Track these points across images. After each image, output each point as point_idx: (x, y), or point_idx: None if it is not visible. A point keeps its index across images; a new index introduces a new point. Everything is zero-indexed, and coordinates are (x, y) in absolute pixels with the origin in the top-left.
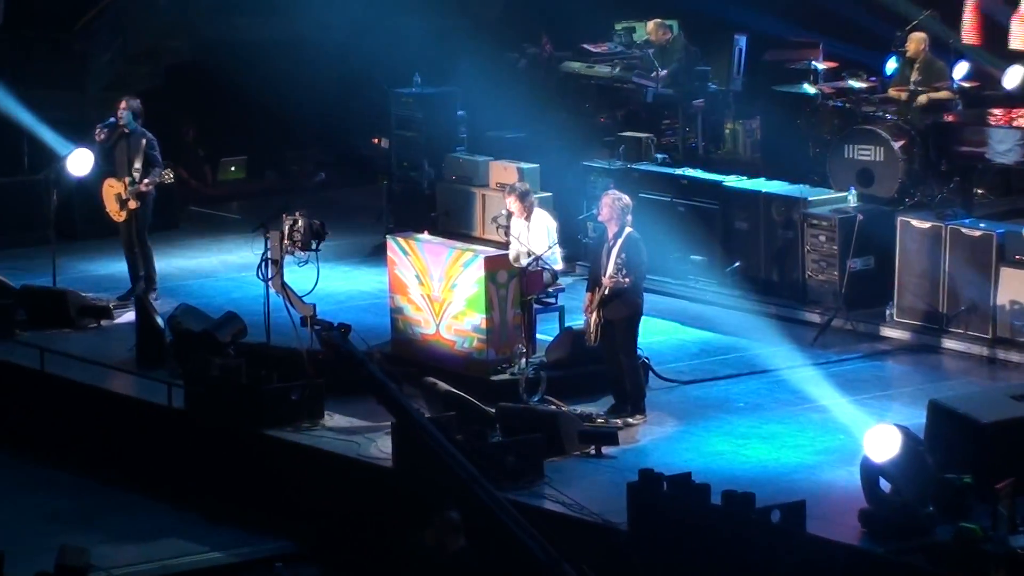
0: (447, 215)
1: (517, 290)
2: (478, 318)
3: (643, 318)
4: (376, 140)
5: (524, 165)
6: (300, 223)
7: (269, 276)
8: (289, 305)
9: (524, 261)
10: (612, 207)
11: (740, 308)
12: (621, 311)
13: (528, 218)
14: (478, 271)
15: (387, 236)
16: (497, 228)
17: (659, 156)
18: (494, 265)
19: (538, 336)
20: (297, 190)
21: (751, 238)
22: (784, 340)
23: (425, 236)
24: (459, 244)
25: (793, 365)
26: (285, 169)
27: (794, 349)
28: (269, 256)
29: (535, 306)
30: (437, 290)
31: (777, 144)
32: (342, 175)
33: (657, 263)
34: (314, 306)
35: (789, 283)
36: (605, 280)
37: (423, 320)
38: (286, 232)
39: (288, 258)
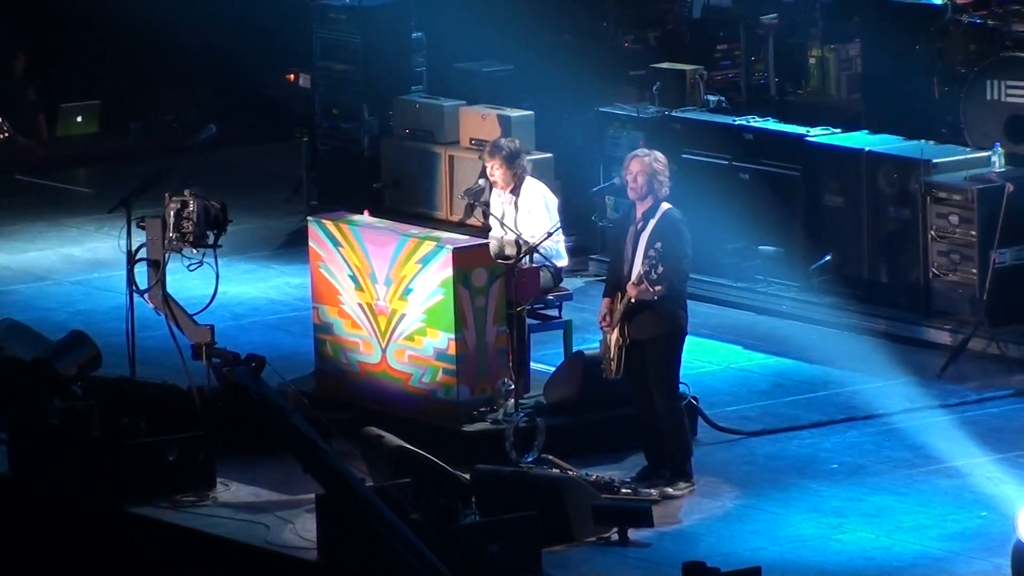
0: (396, 186)
1: (502, 297)
2: (444, 339)
3: (688, 337)
4: (291, 76)
5: (511, 113)
6: (192, 207)
7: (145, 287)
8: (174, 327)
9: (511, 253)
10: (642, 174)
11: (832, 323)
12: (655, 327)
13: (517, 191)
14: (444, 270)
15: (308, 219)
16: (472, 206)
17: (711, 99)
18: (467, 261)
19: (533, 366)
20: (175, 151)
21: (848, 219)
22: (898, 370)
23: (365, 218)
24: (415, 230)
25: (911, 408)
26: (157, 120)
27: (913, 384)
28: (146, 256)
29: (528, 321)
30: (383, 297)
31: (886, 80)
32: (241, 128)
33: (707, 256)
34: (211, 328)
35: (905, 286)
36: (632, 283)
37: (362, 343)
38: (170, 221)
39: (174, 256)
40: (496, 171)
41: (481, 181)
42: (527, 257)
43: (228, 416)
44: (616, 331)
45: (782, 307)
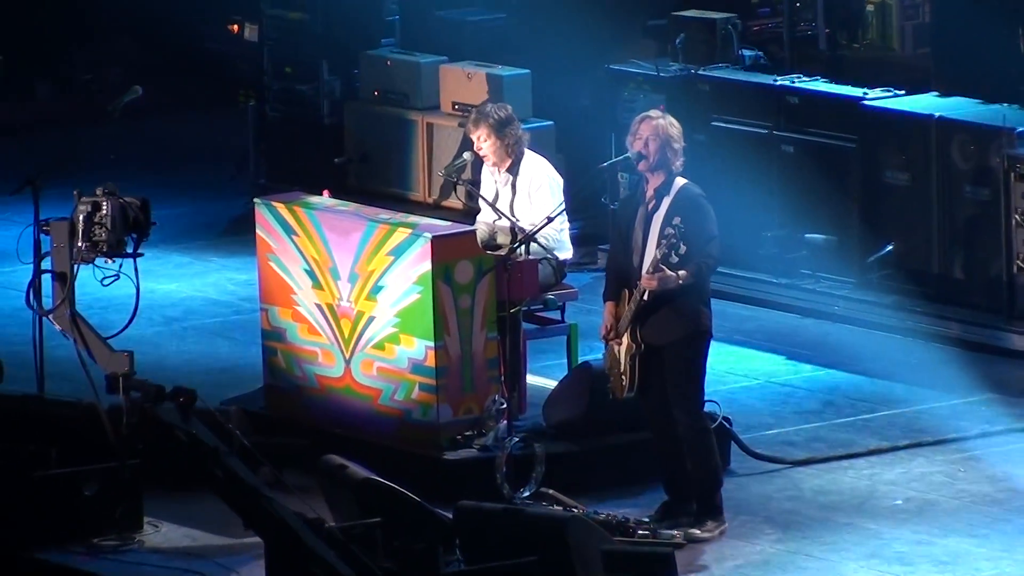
0: (363, 161)
1: (492, 297)
2: (421, 348)
3: (719, 346)
4: (233, 27)
5: (503, 71)
6: (105, 210)
7: (50, 307)
8: (84, 352)
9: (504, 242)
10: (655, 139)
11: (894, 328)
12: (674, 328)
13: (516, 169)
14: (421, 263)
15: (255, 201)
16: (455, 185)
17: (747, 53)
18: (449, 252)
19: (530, 380)
20: (92, 118)
21: (914, 200)
22: (975, 385)
23: (325, 200)
24: (386, 215)
25: (991, 432)
26: (70, 80)
27: (993, 402)
28: (51, 268)
29: (525, 325)
30: (347, 297)
31: (960, 32)
32: (172, 91)
33: (741, 247)
34: (129, 355)
35: (983, 282)
36: (646, 272)
37: (321, 353)
38: (80, 227)
39: (85, 267)
40: (484, 143)
41: (466, 155)
42: (523, 247)
43: (152, 438)
44: (627, 338)
45: (833, 308)
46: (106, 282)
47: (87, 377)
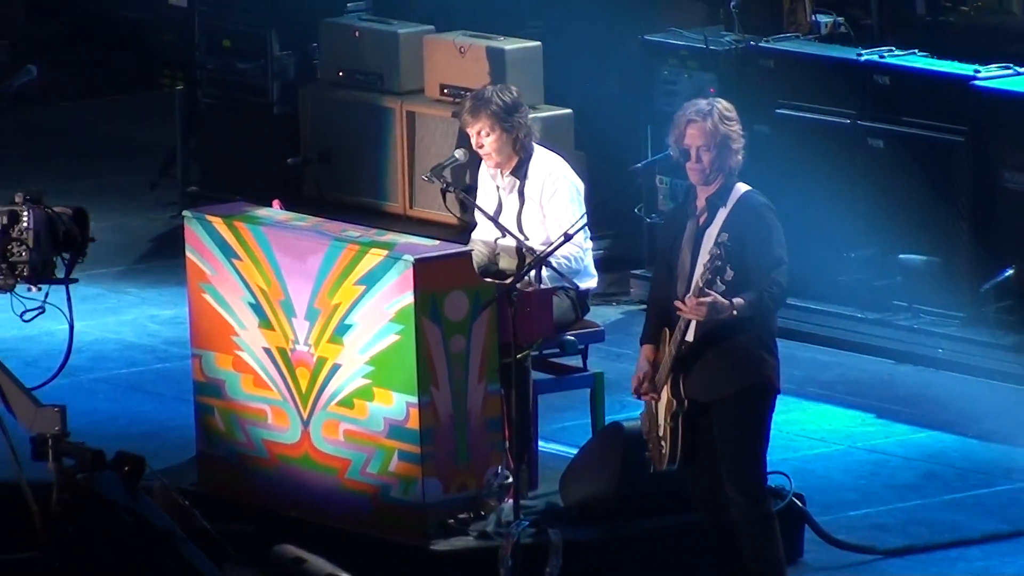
0: (325, 162)
1: (493, 338)
2: (401, 405)
3: (783, 398)
4: None
5: (505, 44)
6: (26, 222)
7: None
8: (3, 408)
9: (509, 267)
10: (708, 145)
11: (1014, 376)
12: (727, 381)
13: (522, 171)
14: (400, 295)
15: (184, 214)
16: (444, 192)
17: (823, 20)
18: (438, 279)
19: (543, 446)
20: None
21: None
22: None
23: (275, 212)
24: (355, 231)
25: None
26: None
27: None
28: None
29: (536, 374)
30: (304, 339)
31: None
32: (78, 72)
33: (815, 271)
34: (61, 411)
35: None
36: (691, 296)
37: (271, 412)
38: None
39: (2, 296)
40: (485, 138)
41: (458, 153)
42: (533, 273)
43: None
44: (666, 391)
45: (937, 351)
46: (27, 316)
47: (6, 440)
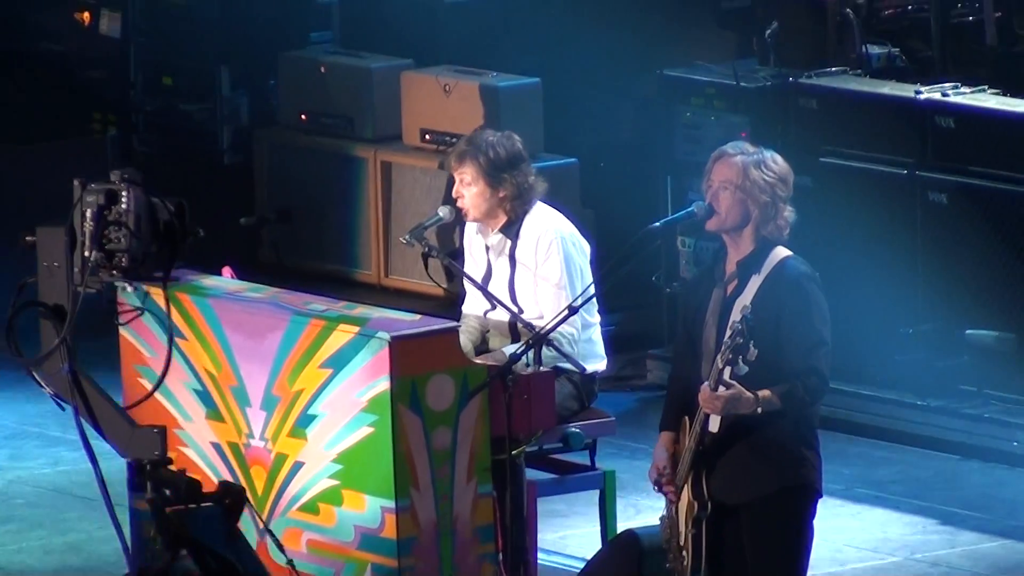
0: (285, 222)
1: (484, 431)
2: (376, 511)
3: (826, 502)
4: (83, 15)
5: (498, 81)
6: (125, 203)
7: (36, 357)
8: (90, 427)
9: (502, 347)
10: (730, 187)
11: None
12: (758, 481)
13: (515, 230)
14: (375, 379)
15: (117, 284)
16: (425, 256)
17: (876, 51)
18: (419, 361)
19: (542, 559)
20: None
21: None
22: None
23: (226, 282)
24: (320, 304)
25: None
26: None
27: None
28: (37, 300)
29: (534, 473)
30: (260, 432)
31: None
32: None
33: (864, 348)
34: (160, 432)
35: None
36: (705, 387)
37: None
38: (86, 226)
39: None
40: (465, 187)
41: (443, 211)
42: (531, 353)
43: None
44: (687, 491)
45: (1011, 444)
46: (123, 319)
47: (94, 469)
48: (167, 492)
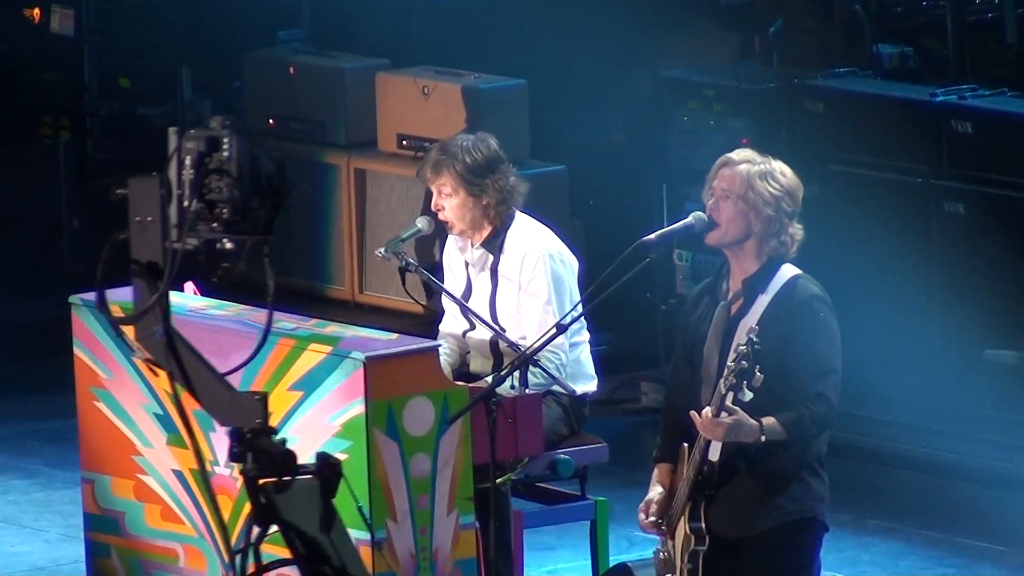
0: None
1: (466, 457)
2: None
3: (834, 535)
4: (33, 12)
5: (482, 82)
6: (228, 150)
7: (129, 319)
8: (187, 394)
9: (483, 368)
10: (738, 183)
11: None
12: (762, 514)
13: (497, 243)
14: (349, 402)
15: (71, 300)
16: (403, 271)
17: (887, 51)
18: (396, 383)
19: None
20: None
21: None
22: None
23: (188, 298)
24: (290, 322)
25: None
26: None
27: None
28: (132, 258)
29: (520, 503)
30: (224, 458)
31: None
32: None
33: (875, 370)
34: (262, 399)
35: None
36: (706, 413)
37: (184, 552)
38: (186, 175)
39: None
40: (445, 199)
41: (421, 222)
42: (516, 376)
43: None
44: (683, 524)
45: None
46: (219, 275)
47: (189, 439)
48: (260, 463)
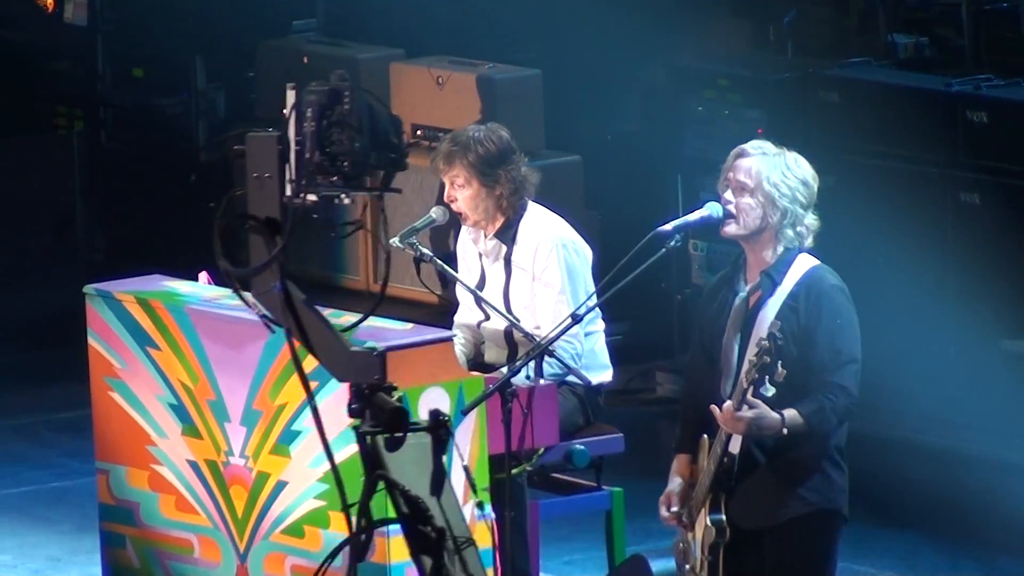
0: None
1: (481, 448)
2: None
3: (853, 526)
4: (47, 1)
5: (495, 72)
6: (348, 103)
7: (246, 270)
8: (304, 351)
9: (498, 359)
10: (753, 175)
11: None
12: (781, 506)
13: (510, 234)
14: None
15: (85, 290)
16: (417, 261)
17: (902, 40)
18: (411, 373)
19: None
20: None
21: None
22: None
23: (203, 289)
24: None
25: None
26: None
27: None
28: (248, 213)
29: (535, 496)
30: (240, 449)
31: None
32: None
33: (890, 361)
34: (381, 356)
35: None
36: (727, 407)
37: (199, 542)
38: (307, 126)
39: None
40: (457, 190)
41: (435, 212)
42: (531, 366)
43: None
44: (704, 516)
45: None
46: (340, 231)
47: (309, 402)
48: (375, 419)
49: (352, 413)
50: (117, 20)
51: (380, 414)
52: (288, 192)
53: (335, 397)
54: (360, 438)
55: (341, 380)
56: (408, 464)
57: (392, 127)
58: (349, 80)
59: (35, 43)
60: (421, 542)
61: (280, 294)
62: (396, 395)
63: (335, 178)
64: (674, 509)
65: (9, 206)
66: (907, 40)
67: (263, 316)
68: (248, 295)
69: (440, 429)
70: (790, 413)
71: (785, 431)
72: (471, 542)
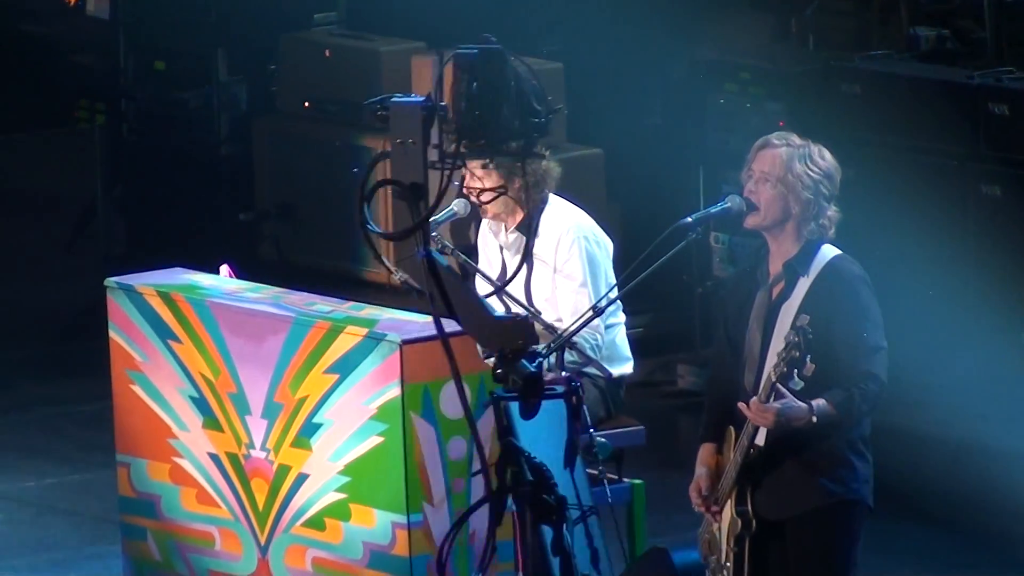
0: (286, 218)
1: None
2: (386, 526)
3: (876, 519)
4: None
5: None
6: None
7: (397, 233)
8: (448, 320)
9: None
10: (778, 165)
11: None
12: (806, 496)
13: (531, 227)
14: (385, 385)
15: (107, 283)
16: (436, 249)
17: (923, 33)
18: (432, 366)
19: None
20: None
21: None
22: None
23: (224, 281)
24: (325, 305)
25: None
26: None
27: None
28: (392, 177)
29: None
30: (261, 443)
31: None
32: None
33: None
34: (528, 320)
35: None
36: (756, 400)
37: (220, 535)
38: (455, 81)
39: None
40: (477, 181)
41: (457, 205)
42: (552, 359)
43: None
44: (729, 507)
45: None
46: (486, 197)
47: (456, 379)
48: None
49: (497, 378)
50: (139, 13)
51: (518, 378)
52: (432, 157)
53: (357, 389)
54: (495, 403)
55: (485, 346)
56: (537, 429)
57: (535, 93)
58: (498, 45)
59: (57, 37)
60: (542, 512)
61: (423, 260)
62: (539, 361)
63: (481, 142)
64: (705, 494)
65: (31, 199)
66: (928, 33)
67: (405, 282)
68: (389, 261)
69: (574, 397)
70: (819, 402)
71: (815, 419)
72: (595, 511)
